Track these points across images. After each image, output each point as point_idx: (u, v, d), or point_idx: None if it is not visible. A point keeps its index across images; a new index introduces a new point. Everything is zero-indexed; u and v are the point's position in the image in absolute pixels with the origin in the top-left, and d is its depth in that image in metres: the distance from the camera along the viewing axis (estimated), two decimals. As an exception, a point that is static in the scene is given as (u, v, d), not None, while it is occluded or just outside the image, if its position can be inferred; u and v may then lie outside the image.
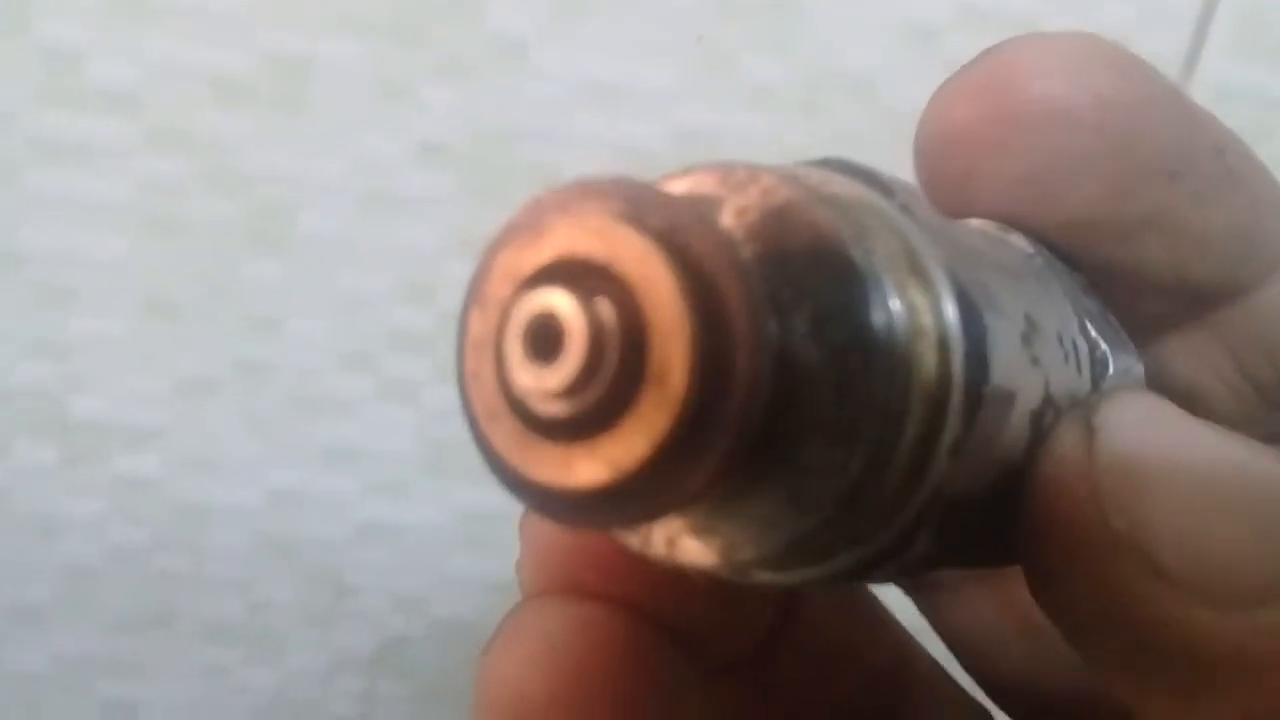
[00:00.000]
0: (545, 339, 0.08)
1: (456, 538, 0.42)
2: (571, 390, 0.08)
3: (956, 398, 0.09)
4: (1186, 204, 0.12)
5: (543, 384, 0.08)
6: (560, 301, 0.08)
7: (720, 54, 0.36)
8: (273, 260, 0.37)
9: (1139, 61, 0.12)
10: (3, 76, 0.34)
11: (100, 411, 0.38)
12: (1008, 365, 0.10)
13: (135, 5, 0.34)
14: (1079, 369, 0.11)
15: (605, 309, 0.08)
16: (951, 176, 0.12)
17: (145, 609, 0.42)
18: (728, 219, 0.10)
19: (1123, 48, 0.13)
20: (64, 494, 0.39)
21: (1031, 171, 0.12)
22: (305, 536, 0.41)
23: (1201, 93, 0.38)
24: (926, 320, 0.09)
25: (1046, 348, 0.11)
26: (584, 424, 0.08)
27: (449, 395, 0.37)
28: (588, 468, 0.08)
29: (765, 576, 0.10)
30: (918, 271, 0.10)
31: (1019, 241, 0.12)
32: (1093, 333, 0.12)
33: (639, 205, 0.08)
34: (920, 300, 0.09)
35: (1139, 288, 0.13)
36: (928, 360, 0.09)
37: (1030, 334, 0.11)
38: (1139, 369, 0.13)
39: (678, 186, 0.10)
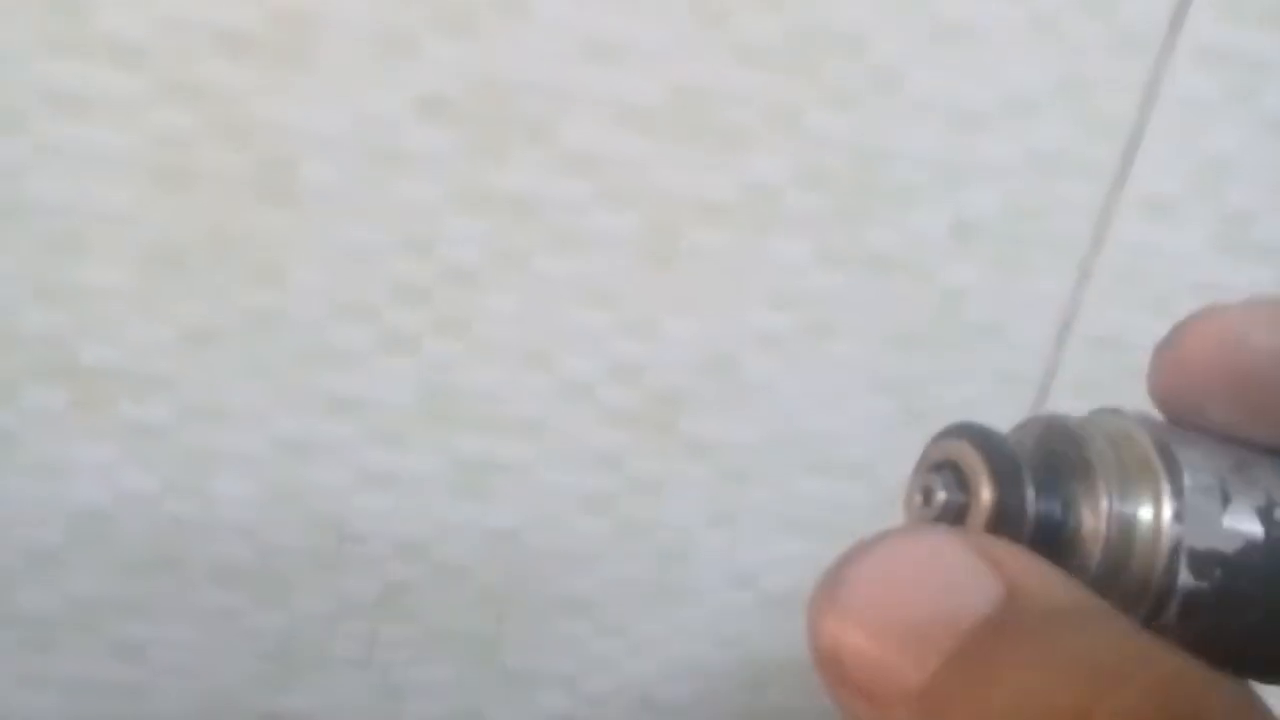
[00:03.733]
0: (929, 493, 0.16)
1: (456, 485, 0.43)
2: (939, 521, 0.16)
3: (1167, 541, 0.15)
4: None
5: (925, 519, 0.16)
6: (932, 481, 0.16)
7: (713, 12, 0.37)
8: (277, 212, 0.38)
9: None
10: (12, 27, 0.35)
11: (109, 359, 0.39)
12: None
13: (142, -40, 0.35)
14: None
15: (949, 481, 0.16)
16: (1186, 405, 0.18)
17: (155, 553, 0.43)
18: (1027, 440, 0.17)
19: None
20: (74, 439, 0.40)
21: (1249, 403, 0.17)
22: (310, 484, 0.42)
23: (1187, 53, 0.39)
24: (1149, 510, 0.16)
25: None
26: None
27: (448, 346, 0.38)
28: None
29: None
30: (1141, 469, 0.16)
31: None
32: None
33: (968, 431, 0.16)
34: (1143, 491, 0.16)
35: None
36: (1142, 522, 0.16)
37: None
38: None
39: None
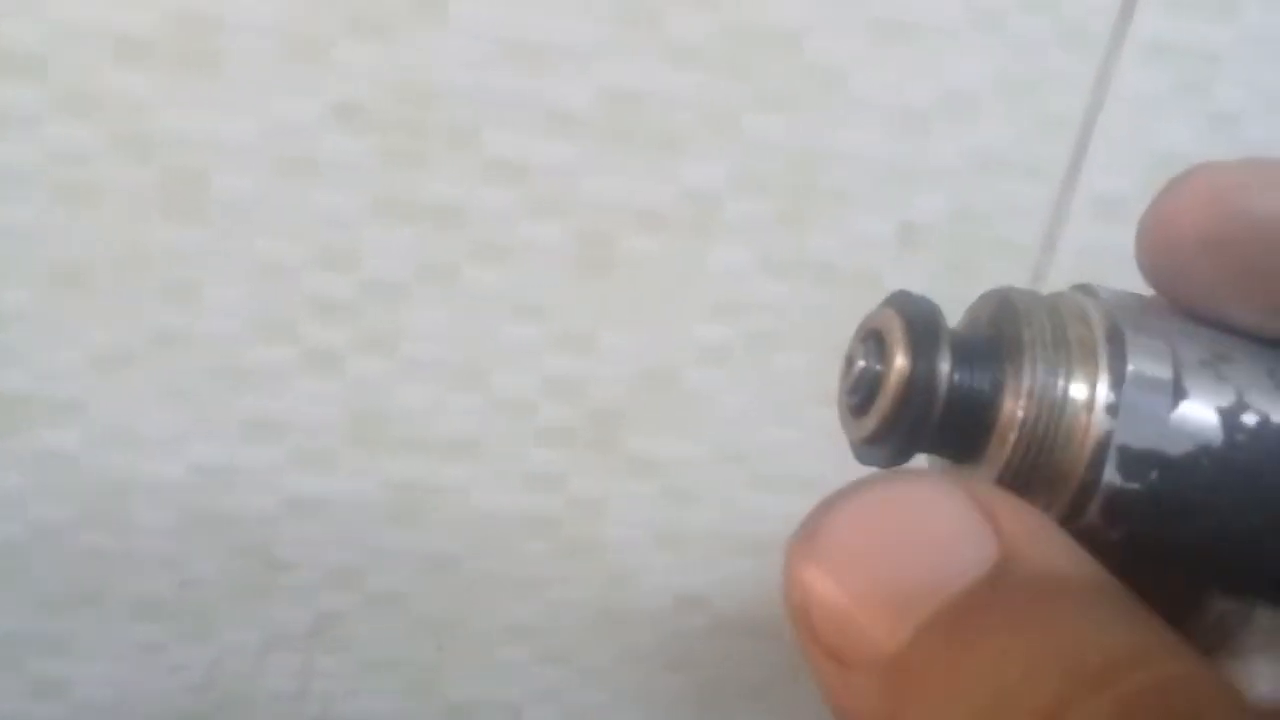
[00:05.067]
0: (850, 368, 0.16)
1: (387, 509, 0.41)
2: (855, 390, 0.15)
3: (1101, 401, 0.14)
4: None
5: (846, 388, 0.16)
6: (855, 349, 0.16)
7: (642, 10, 0.35)
8: (187, 227, 0.36)
9: None
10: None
11: (14, 384, 0.37)
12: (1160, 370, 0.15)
13: (34, -37, 0.33)
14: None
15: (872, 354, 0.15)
16: (1170, 270, 0.16)
17: (72, 586, 0.41)
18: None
19: None
20: (-19, 470, 0.38)
21: (1238, 271, 0.15)
22: (232, 510, 0.40)
23: (1136, 46, 0.38)
24: (1083, 380, 0.14)
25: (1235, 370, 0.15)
26: (860, 409, 0.15)
27: (373, 364, 0.36)
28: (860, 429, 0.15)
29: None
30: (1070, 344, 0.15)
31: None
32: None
33: (898, 299, 0.15)
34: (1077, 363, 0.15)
35: None
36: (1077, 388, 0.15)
37: (1217, 362, 0.15)
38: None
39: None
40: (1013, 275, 0.40)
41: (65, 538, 0.40)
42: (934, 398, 0.14)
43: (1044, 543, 0.13)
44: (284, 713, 0.44)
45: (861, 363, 0.15)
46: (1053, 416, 0.14)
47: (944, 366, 0.14)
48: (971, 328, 0.16)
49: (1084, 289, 0.16)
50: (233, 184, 0.36)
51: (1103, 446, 0.14)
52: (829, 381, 0.42)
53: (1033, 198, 0.39)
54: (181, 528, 0.40)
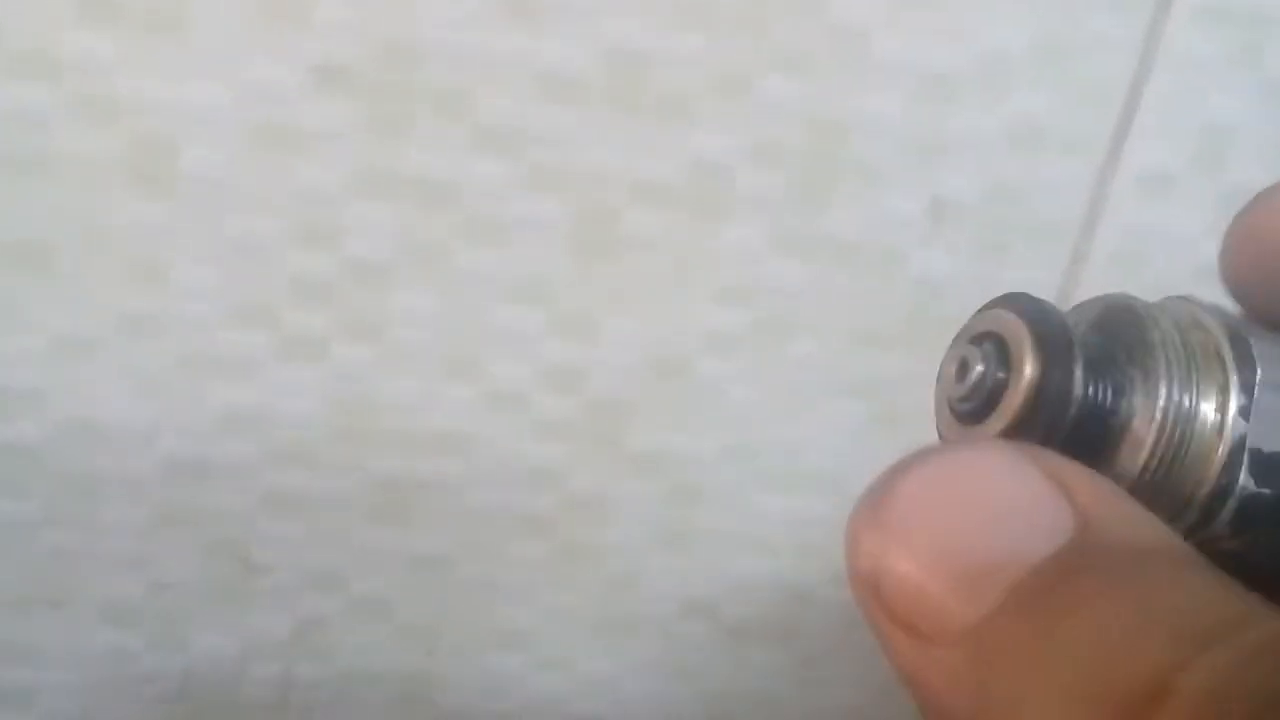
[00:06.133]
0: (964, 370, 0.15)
1: (373, 508, 0.39)
2: (970, 397, 0.15)
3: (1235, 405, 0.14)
4: None
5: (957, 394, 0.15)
6: (970, 353, 0.15)
7: (649, -38, 0.33)
8: (154, 201, 0.34)
9: None
10: None
11: (-33, 372, 0.35)
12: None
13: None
14: None
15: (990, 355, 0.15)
16: (1259, 283, 0.16)
17: (35, 589, 0.39)
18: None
19: None
20: (-68, 464, 0.36)
21: None
22: (206, 508, 0.38)
23: (1185, 8, 0.35)
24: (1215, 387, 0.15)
25: None
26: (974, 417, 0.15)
27: (357, 351, 0.33)
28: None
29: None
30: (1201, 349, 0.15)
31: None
32: None
33: (1016, 301, 0.15)
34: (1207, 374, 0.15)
35: None
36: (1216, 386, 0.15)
37: None
38: None
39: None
40: (1050, 256, 0.38)
41: (26, 536, 0.38)
42: (1066, 409, 0.14)
43: (1121, 510, 0.13)
44: (263, 724, 0.42)
45: (980, 368, 0.14)
46: (1186, 423, 0.14)
47: (1078, 377, 0.14)
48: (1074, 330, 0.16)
49: (1184, 298, 0.16)
50: (203, 155, 0.34)
51: (1238, 451, 0.14)
52: (848, 372, 0.40)
53: (1073, 172, 0.37)
54: (151, 526, 0.38)
